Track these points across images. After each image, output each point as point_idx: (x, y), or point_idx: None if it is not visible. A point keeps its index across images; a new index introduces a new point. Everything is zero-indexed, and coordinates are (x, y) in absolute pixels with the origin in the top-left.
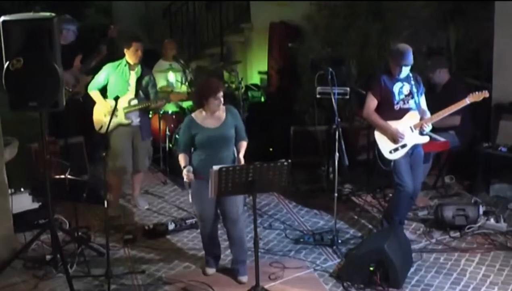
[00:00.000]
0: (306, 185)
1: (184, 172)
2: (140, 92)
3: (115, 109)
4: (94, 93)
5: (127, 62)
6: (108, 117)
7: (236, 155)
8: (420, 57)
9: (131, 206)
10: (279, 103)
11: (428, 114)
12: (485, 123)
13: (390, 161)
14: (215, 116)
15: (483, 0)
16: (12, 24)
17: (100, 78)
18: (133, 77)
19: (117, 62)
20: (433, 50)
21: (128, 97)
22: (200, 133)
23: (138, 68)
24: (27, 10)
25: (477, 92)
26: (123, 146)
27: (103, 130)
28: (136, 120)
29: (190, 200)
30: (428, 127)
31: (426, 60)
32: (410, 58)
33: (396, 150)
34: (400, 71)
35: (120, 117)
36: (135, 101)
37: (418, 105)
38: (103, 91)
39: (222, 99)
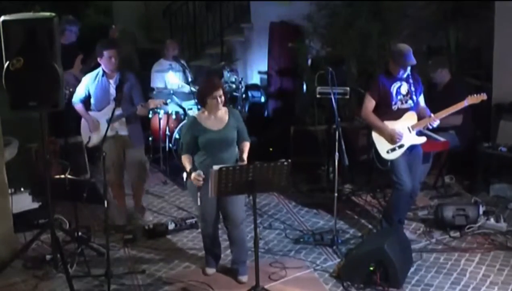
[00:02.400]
0: (306, 185)
1: (194, 175)
2: (124, 99)
3: (114, 109)
4: (78, 107)
5: (104, 71)
6: (95, 132)
7: (239, 155)
8: (420, 57)
9: (131, 206)
10: (279, 103)
11: (429, 111)
12: (485, 123)
13: (387, 160)
14: (218, 118)
15: (483, 0)
16: (12, 24)
17: (80, 91)
18: (112, 86)
19: (94, 73)
20: (433, 50)
21: (111, 108)
22: (202, 135)
23: (117, 76)
24: (27, 10)
25: (475, 95)
26: (112, 159)
27: (91, 144)
28: (122, 130)
29: (199, 202)
30: (436, 123)
31: (426, 60)
32: (412, 59)
33: (393, 150)
34: (404, 71)
35: (104, 130)
36: (119, 111)
37: (416, 105)
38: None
39: (221, 98)
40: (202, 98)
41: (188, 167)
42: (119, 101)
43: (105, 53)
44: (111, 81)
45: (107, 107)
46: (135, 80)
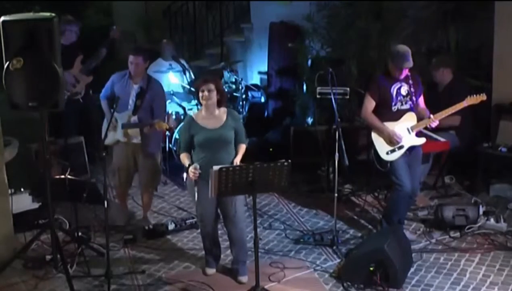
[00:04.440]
0: (306, 185)
1: (191, 169)
2: (144, 108)
3: (114, 109)
4: (102, 103)
5: (130, 74)
6: (111, 131)
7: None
8: (420, 58)
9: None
10: (279, 103)
11: (428, 112)
12: (485, 123)
13: (387, 162)
14: (215, 117)
15: (483, 0)
16: (12, 24)
17: (106, 88)
18: (135, 90)
19: (122, 72)
20: (432, 51)
21: (128, 113)
22: (198, 133)
23: (141, 82)
24: (27, 10)
25: (475, 95)
26: (120, 164)
27: (106, 142)
28: (135, 138)
29: (196, 198)
30: (435, 123)
31: (425, 60)
32: (409, 61)
33: (393, 151)
34: (400, 73)
35: (118, 134)
36: (134, 119)
37: (416, 106)
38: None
39: (209, 93)
40: (197, 93)
41: (187, 162)
42: (137, 108)
43: (129, 57)
44: (135, 86)
45: (125, 112)
46: (161, 91)
